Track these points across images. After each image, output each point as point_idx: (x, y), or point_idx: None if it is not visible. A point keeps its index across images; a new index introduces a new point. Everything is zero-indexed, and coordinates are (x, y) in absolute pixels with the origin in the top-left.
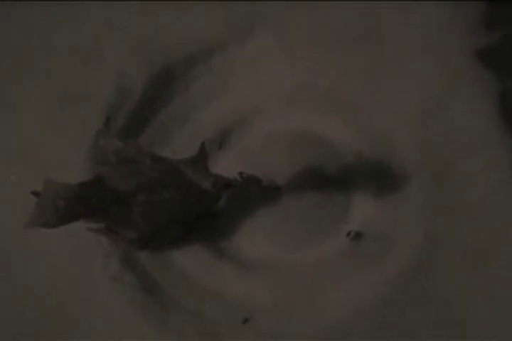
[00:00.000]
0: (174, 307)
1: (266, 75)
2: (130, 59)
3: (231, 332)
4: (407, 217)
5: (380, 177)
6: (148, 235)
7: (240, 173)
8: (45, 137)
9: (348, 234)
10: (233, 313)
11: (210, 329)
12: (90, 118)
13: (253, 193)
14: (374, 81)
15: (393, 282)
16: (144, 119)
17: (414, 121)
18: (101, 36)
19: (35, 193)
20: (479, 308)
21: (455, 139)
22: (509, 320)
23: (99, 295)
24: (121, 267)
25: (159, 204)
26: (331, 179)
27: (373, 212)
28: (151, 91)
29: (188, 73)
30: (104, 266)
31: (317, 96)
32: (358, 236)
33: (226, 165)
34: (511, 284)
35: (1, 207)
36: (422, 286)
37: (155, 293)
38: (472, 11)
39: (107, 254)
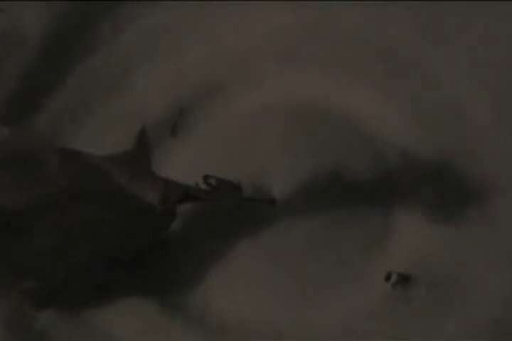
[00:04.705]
0: None
1: (252, 14)
2: None
3: None
4: (486, 249)
5: (441, 186)
6: (56, 282)
7: (206, 177)
8: None
9: (388, 278)
10: None
11: None
12: None
13: (228, 210)
14: (436, 30)
15: None
16: (45, 87)
17: (500, 97)
18: None
19: None
20: None
21: None
22: None
23: None
24: (8, 333)
25: (76, 230)
26: (360, 187)
27: (429, 241)
28: (58, 39)
29: (119, 10)
30: None
31: (337, 49)
32: (403, 280)
33: (183, 164)
34: None
35: None
36: None
37: None
38: None
39: None
